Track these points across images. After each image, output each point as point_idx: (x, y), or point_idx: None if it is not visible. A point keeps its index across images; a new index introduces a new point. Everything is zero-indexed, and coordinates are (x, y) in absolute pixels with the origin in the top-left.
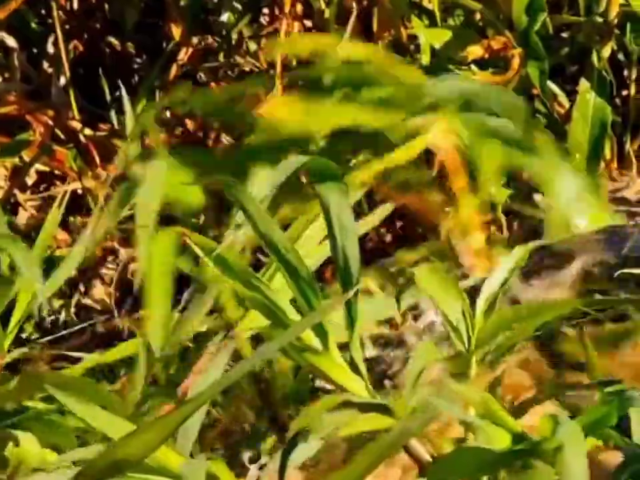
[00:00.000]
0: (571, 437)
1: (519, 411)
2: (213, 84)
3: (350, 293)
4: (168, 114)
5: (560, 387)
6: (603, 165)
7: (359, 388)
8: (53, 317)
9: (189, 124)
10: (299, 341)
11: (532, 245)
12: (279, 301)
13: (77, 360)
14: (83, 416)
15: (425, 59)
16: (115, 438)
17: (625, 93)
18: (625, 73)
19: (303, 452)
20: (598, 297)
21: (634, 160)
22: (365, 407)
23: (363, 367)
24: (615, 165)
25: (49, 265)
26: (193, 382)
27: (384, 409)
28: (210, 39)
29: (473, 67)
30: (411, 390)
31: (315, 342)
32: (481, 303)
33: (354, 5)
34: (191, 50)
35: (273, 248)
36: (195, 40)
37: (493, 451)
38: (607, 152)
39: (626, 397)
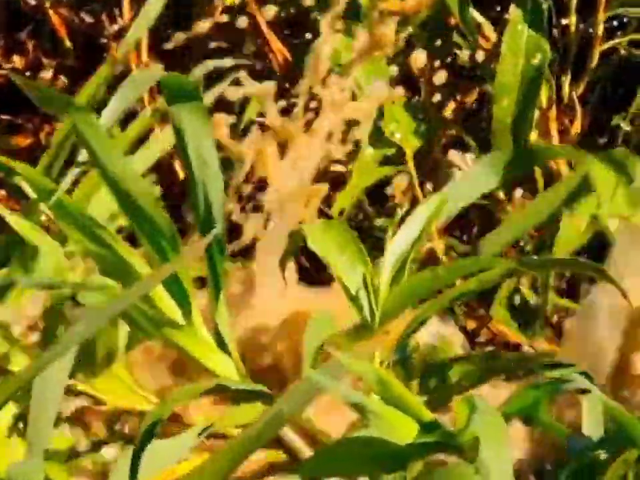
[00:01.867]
0: (489, 428)
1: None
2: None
3: (208, 239)
4: None
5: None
6: (538, 113)
7: (226, 368)
8: None
9: (17, 61)
10: (155, 310)
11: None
12: (131, 258)
13: None
14: None
15: None
16: None
17: (565, 22)
18: None
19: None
20: None
21: (578, 107)
22: (240, 395)
23: (232, 343)
24: (553, 113)
25: None
26: None
27: (262, 396)
28: None
29: None
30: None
31: (175, 311)
32: (386, 266)
33: None
34: None
35: (112, 184)
36: None
37: (390, 443)
38: (543, 97)
39: (558, 381)
